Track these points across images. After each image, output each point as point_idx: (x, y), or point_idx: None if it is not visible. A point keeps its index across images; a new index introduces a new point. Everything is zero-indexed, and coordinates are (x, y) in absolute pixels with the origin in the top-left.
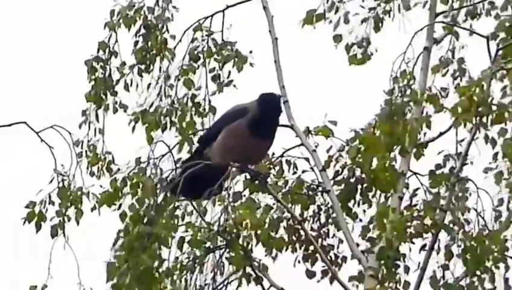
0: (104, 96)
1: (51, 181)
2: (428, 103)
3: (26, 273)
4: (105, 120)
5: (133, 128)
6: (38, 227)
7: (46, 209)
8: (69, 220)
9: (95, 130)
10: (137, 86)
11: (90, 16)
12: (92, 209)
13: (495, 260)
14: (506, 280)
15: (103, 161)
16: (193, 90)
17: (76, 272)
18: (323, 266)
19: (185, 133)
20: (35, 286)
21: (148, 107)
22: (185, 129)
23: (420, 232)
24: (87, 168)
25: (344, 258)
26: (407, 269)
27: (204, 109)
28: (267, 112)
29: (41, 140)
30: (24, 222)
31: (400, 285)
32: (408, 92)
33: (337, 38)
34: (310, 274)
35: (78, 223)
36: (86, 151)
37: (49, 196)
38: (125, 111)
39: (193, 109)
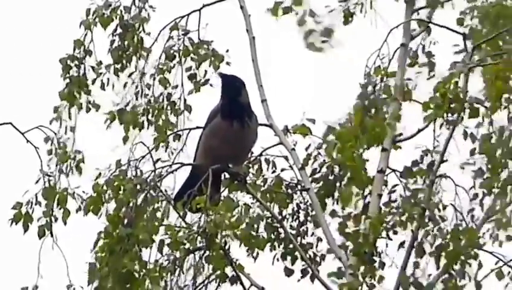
0: (78, 95)
1: (37, 181)
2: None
3: (16, 274)
4: (77, 118)
5: (108, 127)
6: (25, 228)
7: (33, 210)
8: (56, 221)
9: (66, 128)
10: (113, 86)
11: (76, 14)
12: (77, 211)
13: (467, 257)
14: (476, 277)
15: (73, 159)
16: (169, 89)
17: (65, 272)
18: (303, 265)
19: (161, 132)
20: (27, 287)
21: (124, 106)
22: (162, 128)
23: (395, 226)
24: (56, 165)
25: (323, 256)
26: (382, 265)
27: (180, 108)
28: (227, 94)
29: (27, 141)
30: (11, 223)
31: (374, 280)
32: (382, 86)
33: (302, 22)
34: (289, 272)
35: (65, 223)
36: (55, 148)
37: (36, 197)
38: (97, 110)
39: (169, 107)
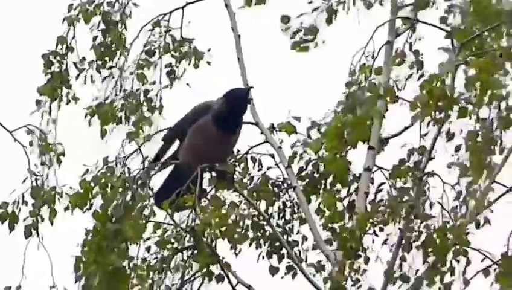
0: (59, 90)
1: (24, 181)
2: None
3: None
4: (58, 112)
5: (89, 123)
6: (11, 227)
7: (19, 210)
8: (42, 220)
9: (48, 121)
10: (93, 81)
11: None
12: (65, 210)
13: (456, 253)
14: (464, 273)
15: (54, 151)
16: (147, 86)
17: (49, 273)
18: (288, 262)
19: (138, 128)
20: (10, 287)
21: (103, 100)
22: (138, 123)
23: (384, 224)
24: (39, 157)
25: (308, 253)
26: (367, 260)
27: (155, 105)
28: (234, 105)
29: (15, 139)
30: None
31: (359, 274)
32: (366, 84)
33: (285, 19)
34: (273, 270)
35: (51, 223)
36: (37, 140)
37: (23, 196)
38: (76, 103)
39: (144, 103)
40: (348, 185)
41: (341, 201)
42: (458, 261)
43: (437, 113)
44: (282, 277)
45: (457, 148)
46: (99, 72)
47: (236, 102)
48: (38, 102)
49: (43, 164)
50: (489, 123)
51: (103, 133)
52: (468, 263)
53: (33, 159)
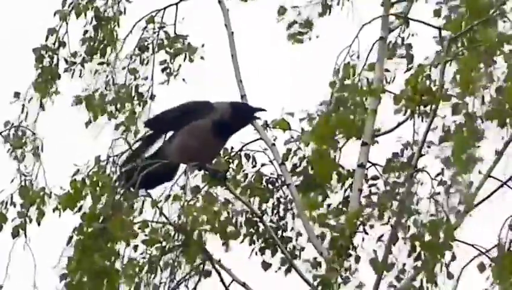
0: (49, 86)
1: (12, 181)
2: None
3: None
4: (45, 107)
5: (88, 122)
6: None
7: (7, 210)
8: (30, 221)
9: (26, 114)
10: (80, 76)
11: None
12: (54, 210)
13: (442, 248)
14: (447, 267)
15: (30, 144)
16: (138, 80)
17: (33, 273)
18: (282, 258)
19: (129, 121)
20: None
21: (92, 92)
22: (129, 117)
23: (373, 220)
24: (12, 151)
25: (302, 249)
26: (358, 258)
27: (146, 101)
28: (239, 120)
29: (5, 140)
30: None
31: (349, 273)
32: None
33: (281, 10)
34: (266, 266)
35: (39, 224)
36: (12, 133)
37: (11, 197)
38: (56, 94)
39: (135, 98)
40: (343, 181)
41: (325, 199)
42: (443, 256)
43: (421, 107)
44: (276, 271)
45: (441, 140)
46: (83, 67)
47: (243, 118)
48: (16, 94)
49: (15, 158)
50: (474, 116)
51: (88, 123)
52: (453, 257)
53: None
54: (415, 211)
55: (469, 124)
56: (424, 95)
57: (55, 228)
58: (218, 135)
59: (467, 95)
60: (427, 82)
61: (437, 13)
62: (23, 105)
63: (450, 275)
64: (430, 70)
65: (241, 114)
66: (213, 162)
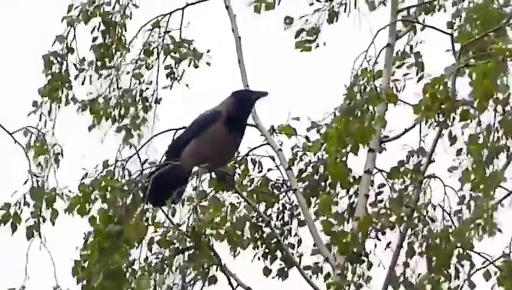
0: (59, 91)
1: (25, 182)
2: (387, 99)
3: (3, 275)
4: (57, 112)
5: (91, 126)
6: (13, 228)
7: (21, 211)
8: (44, 221)
9: (45, 122)
10: (91, 82)
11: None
12: (65, 211)
13: (459, 257)
14: (469, 277)
15: (51, 152)
16: (143, 85)
17: (53, 273)
18: (280, 264)
19: (134, 125)
20: (14, 289)
21: (96, 96)
22: (134, 121)
23: (384, 227)
24: (34, 158)
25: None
26: (369, 265)
27: (151, 105)
28: (242, 104)
29: (15, 141)
30: None
31: (363, 279)
32: (368, 89)
33: (288, 20)
34: (267, 272)
35: (53, 224)
36: (34, 141)
37: (24, 197)
38: (75, 104)
39: (139, 102)
40: (348, 187)
41: (336, 204)
42: (463, 266)
43: (440, 116)
44: (273, 278)
45: (459, 152)
46: (98, 73)
47: (244, 101)
48: (35, 103)
49: (38, 165)
50: (493, 129)
51: (91, 127)
52: (472, 266)
53: (34, 161)
54: (430, 219)
55: (485, 134)
56: (442, 103)
57: (70, 228)
58: (233, 131)
59: (485, 107)
60: (446, 90)
61: (450, 25)
62: (42, 113)
63: (472, 285)
64: (448, 79)
65: (243, 101)
66: (227, 165)
